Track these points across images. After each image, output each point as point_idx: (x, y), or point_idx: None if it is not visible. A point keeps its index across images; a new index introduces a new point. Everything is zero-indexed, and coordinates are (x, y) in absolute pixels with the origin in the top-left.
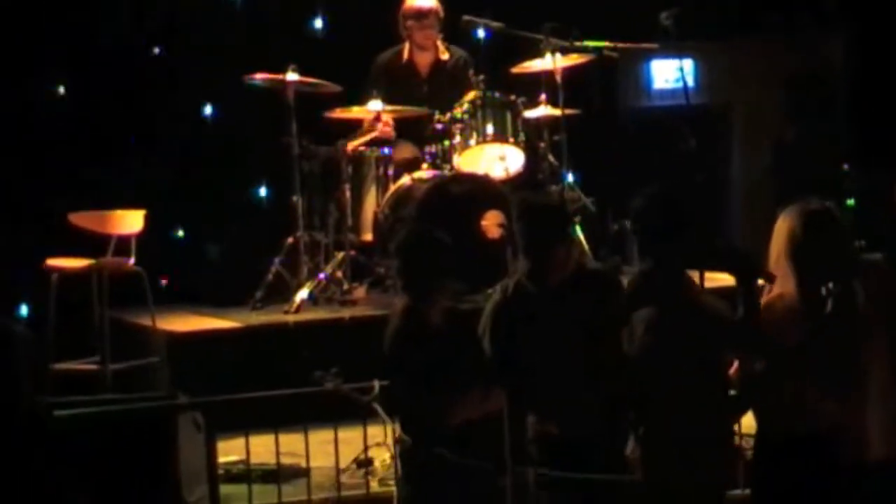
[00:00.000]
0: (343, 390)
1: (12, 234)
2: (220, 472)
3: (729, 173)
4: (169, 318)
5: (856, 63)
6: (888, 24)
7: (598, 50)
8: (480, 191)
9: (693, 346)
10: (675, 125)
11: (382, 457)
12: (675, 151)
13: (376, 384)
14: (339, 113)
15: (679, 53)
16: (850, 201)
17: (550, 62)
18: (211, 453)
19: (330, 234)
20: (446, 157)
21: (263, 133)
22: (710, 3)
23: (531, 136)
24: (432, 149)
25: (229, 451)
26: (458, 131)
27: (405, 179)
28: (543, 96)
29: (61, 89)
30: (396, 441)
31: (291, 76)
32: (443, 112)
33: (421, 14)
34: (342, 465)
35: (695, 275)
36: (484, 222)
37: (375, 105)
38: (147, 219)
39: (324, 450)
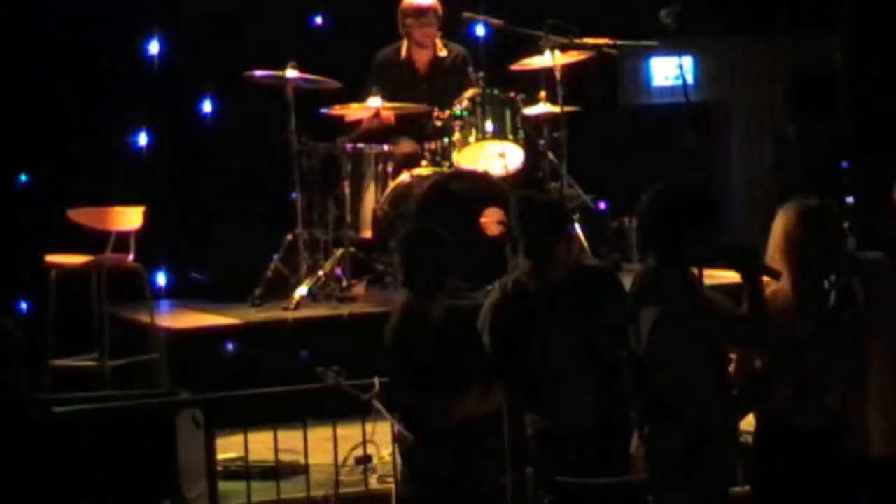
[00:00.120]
0: (343, 387)
1: (11, 230)
2: (219, 468)
3: (729, 171)
4: (168, 314)
5: (856, 60)
6: (889, 21)
7: (597, 47)
8: (480, 188)
9: (699, 344)
10: (675, 123)
11: (381, 454)
12: (676, 149)
13: (376, 381)
14: (338, 110)
15: (679, 51)
16: (850, 199)
17: (550, 59)
18: (210, 450)
19: (329, 231)
20: (446, 154)
21: (263, 129)
22: (709, 1)
23: (531, 133)
24: (432, 146)
25: (228, 448)
26: (457, 128)
27: (405, 176)
28: (543, 93)
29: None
30: (397, 439)
31: (291, 73)
32: (442, 109)
33: (420, 11)
34: (341, 462)
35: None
36: (483, 219)
37: (375, 102)
38: (146, 215)
39: (323, 447)
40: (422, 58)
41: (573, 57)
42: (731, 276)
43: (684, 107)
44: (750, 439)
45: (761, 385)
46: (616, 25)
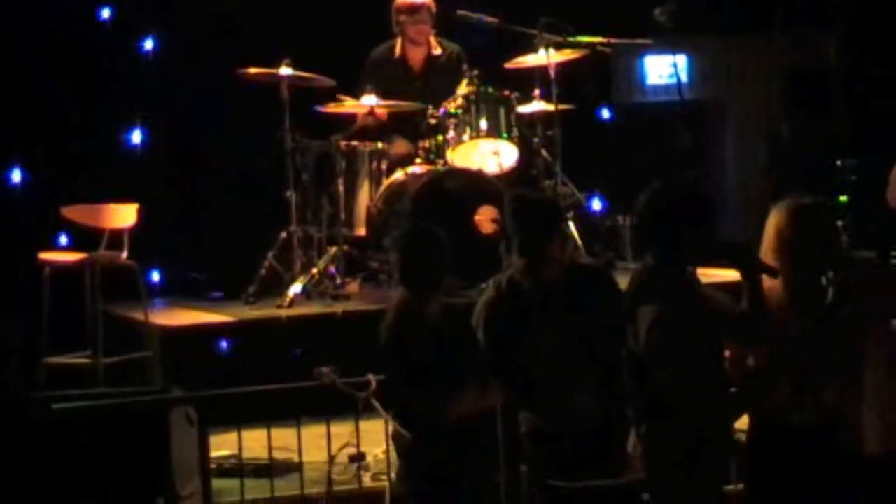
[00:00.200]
0: (339, 386)
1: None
2: (213, 466)
3: (723, 169)
4: (162, 312)
5: (851, 58)
6: (884, 19)
7: (591, 45)
8: (474, 186)
9: (698, 343)
10: (669, 121)
11: (374, 452)
12: (670, 147)
13: (372, 379)
14: (332, 107)
15: (673, 49)
16: (844, 197)
17: (544, 57)
18: (203, 447)
19: (323, 229)
20: (440, 152)
21: (257, 127)
22: None
23: (525, 132)
24: (426, 144)
25: (222, 446)
26: (451, 126)
27: (399, 174)
28: (537, 91)
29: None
30: (393, 437)
31: (285, 70)
32: (436, 107)
33: (413, 9)
34: (334, 459)
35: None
36: (477, 217)
37: (369, 100)
38: (140, 213)
39: (316, 444)
40: (416, 56)
41: (567, 55)
42: (725, 275)
43: (679, 105)
44: (743, 437)
45: (759, 383)
46: (610, 23)
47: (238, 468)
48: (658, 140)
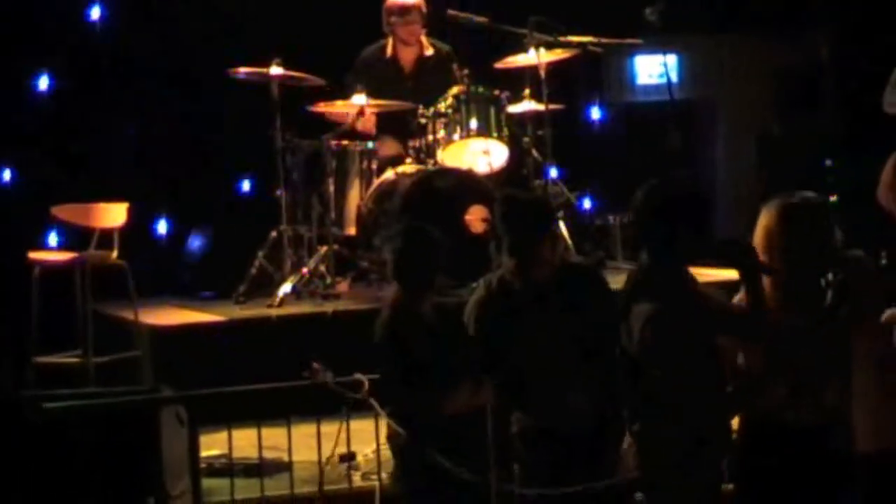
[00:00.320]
0: (333, 386)
1: None
2: (203, 465)
3: (713, 169)
4: (152, 311)
5: (841, 58)
6: (874, 18)
7: (582, 45)
8: (464, 185)
9: (694, 341)
10: (659, 121)
11: (364, 451)
12: (660, 147)
13: (364, 379)
14: (323, 107)
15: (663, 49)
16: (834, 198)
17: (535, 57)
18: (193, 447)
19: (313, 228)
20: (430, 151)
21: (247, 126)
22: None
23: (515, 131)
24: (416, 143)
25: (212, 445)
26: (442, 126)
27: (389, 173)
28: (527, 91)
29: (44, 82)
30: (389, 437)
31: (275, 70)
32: (427, 107)
33: (404, 10)
34: (325, 459)
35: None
36: (468, 217)
37: (359, 99)
38: (130, 212)
39: (307, 444)
40: (407, 56)
41: (558, 55)
42: (719, 274)
43: (669, 105)
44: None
45: (756, 382)
46: (601, 23)
47: (228, 468)
48: (648, 140)
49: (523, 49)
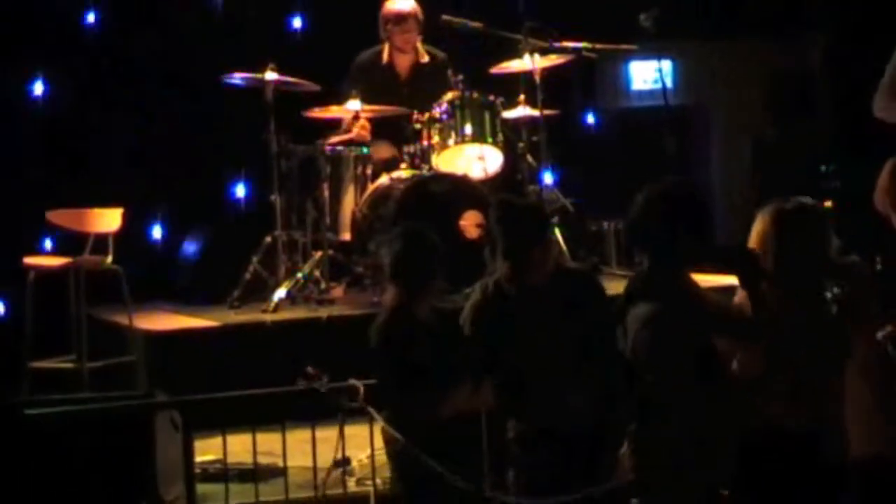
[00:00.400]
0: (332, 393)
1: None
2: (197, 471)
3: (708, 174)
4: (146, 316)
5: (835, 63)
6: (868, 23)
7: (576, 50)
8: (459, 191)
9: (692, 344)
10: (653, 126)
11: (359, 456)
12: (654, 152)
13: (359, 385)
14: (317, 112)
15: (658, 54)
16: (828, 203)
17: (529, 62)
18: (188, 452)
19: (308, 233)
20: (425, 157)
21: (242, 131)
22: (688, 4)
23: (510, 137)
24: (411, 149)
25: (206, 450)
26: (436, 131)
27: (384, 179)
28: (522, 96)
29: (39, 87)
30: (386, 441)
31: (270, 75)
32: (422, 114)
33: (401, 18)
34: (319, 464)
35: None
36: (462, 222)
37: (354, 105)
38: (124, 217)
39: (301, 449)
40: (403, 63)
41: (552, 60)
42: (719, 280)
43: (663, 110)
44: None
45: (753, 386)
46: (595, 29)
47: (223, 473)
48: (643, 145)
49: (518, 54)
